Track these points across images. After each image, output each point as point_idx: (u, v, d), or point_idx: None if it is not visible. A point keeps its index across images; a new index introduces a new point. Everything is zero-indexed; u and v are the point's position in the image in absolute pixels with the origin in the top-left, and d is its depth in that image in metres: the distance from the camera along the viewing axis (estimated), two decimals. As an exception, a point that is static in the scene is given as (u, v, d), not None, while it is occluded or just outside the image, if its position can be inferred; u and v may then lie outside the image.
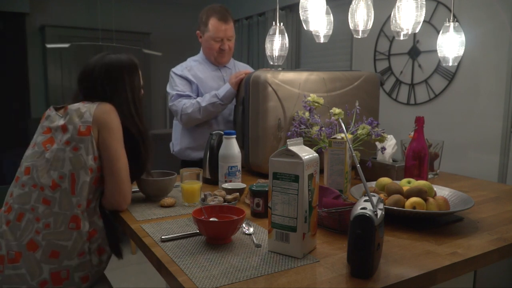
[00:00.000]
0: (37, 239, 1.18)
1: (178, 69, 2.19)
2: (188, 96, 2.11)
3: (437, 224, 1.22)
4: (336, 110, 1.70)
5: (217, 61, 2.20)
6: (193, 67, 2.19)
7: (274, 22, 1.79)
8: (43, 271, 1.17)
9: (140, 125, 1.37)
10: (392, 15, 1.52)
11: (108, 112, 1.28)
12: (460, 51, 1.71)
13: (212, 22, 2.12)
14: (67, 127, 1.25)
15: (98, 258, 1.27)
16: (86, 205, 1.24)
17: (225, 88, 2.00)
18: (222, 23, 2.11)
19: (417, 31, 1.50)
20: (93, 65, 1.37)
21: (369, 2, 1.56)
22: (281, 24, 1.80)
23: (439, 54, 1.75)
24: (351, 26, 1.59)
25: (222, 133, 1.63)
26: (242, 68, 2.30)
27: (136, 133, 1.35)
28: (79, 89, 1.39)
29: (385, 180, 1.36)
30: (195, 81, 2.14)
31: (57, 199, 1.21)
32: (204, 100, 2.03)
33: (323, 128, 1.65)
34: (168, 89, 2.18)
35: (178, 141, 2.22)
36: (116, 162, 1.27)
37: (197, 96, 2.14)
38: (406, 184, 1.36)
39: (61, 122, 1.27)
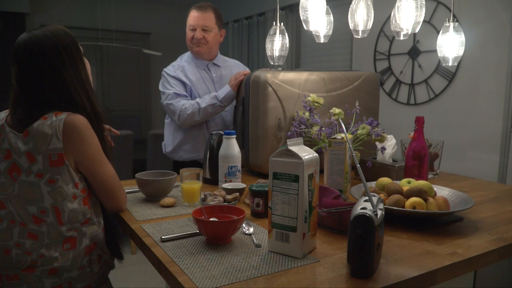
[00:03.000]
0: (35, 265, 1.13)
1: (170, 69, 2.18)
2: (185, 96, 2.11)
3: (437, 224, 1.22)
4: (336, 110, 1.70)
5: (193, 51, 2.18)
6: (185, 67, 2.18)
7: (274, 22, 1.79)
8: (44, 285, 1.13)
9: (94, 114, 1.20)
10: (392, 15, 1.52)
11: (79, 133, 1.11)
12: (460, 51, 1.71)
13: (190, 13, 2.17)
14: (35, 157, 1.09)
15: (98, 265, 1.23)
16: (83, 223, 1.18)
17: (225, 90, 2.01)
18: (197, 11, 2.14)
19: (417, 31, 1.50)
20: (14, 56, 1.14)
21: (369, 2, 1.56)
22: (281, 24, 1.80)
23: (439, 54, 1.75)
24: (351, 26, 1.59)
25: (222, 133, 1.64)
26: (233, 65, 2.29)
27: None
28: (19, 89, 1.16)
29: (385, 180, 1.36)
30: (188, 83, 2.14)
31: (45, 232, 1.12)
32: (203, 102, 2.04)
33: (323, 128, 1.65)
34: (162, 88, 2.15)
35: (171, 142, 2.21)
36: (101, 175, 1.18)
37: (190, 97, 2.13)
38: (406, 184, 1.36)
39: (23, 147, 1.10)
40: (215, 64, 2.24)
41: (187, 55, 2.26)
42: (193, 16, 2.14)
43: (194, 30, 2.14)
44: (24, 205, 1.12)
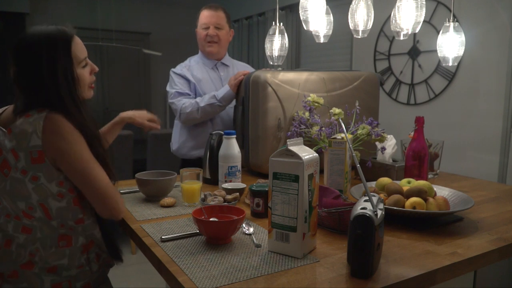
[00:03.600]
0: (34, 260, 1.13)
1: (177, 68, 2.21)
2: (188, 95, 2.13)
3: (437, 224, 1.22)
4: (336, 110, 1.70)
5: (206, 50, 2.20)
6: (192, 66, 2.21)
7: (274, 22, 1.80)
8: (44, 283, 1.13)
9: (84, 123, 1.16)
10: (392, 15, 1.52)
11: (58, 130, 1.09)
12: (460, 51, 1.71)
13: (202, 13, 2.19)
14: (18, 154, 1.09)
15: (97, 264, 1.23)
16: (77, 222, 1.16)
17: (224, 90, 2.01)
18: (209, 11, 2.17)
19: (417, 31, 1.50)
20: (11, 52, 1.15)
21: (369, 2, 1.56)
22: (281, 24, 1.80)
23: (439, 54, 1.75)
24: (351, 26, 1.59)
25: (222, 133, 1.64)
26: (241, 67, 2.31)
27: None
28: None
29: (385, 180, 1.36)
30: (193, 81, 2.15)
31: (37, 227, 1.12)
32: (203, 101, 2.04)
33: (323, 128, 1.65)
34: (168, 88, 2.20)
35: (177, 139, 2.23)
36: (88, 176, 1.12)
37: (195, 95, 2.15)
38: (406, 184, 1.36)
39: (9, 144, 1.10)
40: (223, 63, 2.26)
41: (196, 56, 2.28)
42: (206, 15, 2.17)
43: (207, 28, 2.16)
44: (15, 201, 1.12)
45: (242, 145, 1.81)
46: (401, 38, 1.54)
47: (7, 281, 1.13)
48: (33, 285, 1.13)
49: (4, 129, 1.13)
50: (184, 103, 2.07)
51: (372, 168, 1.67)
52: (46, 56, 1.13)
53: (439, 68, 2.83)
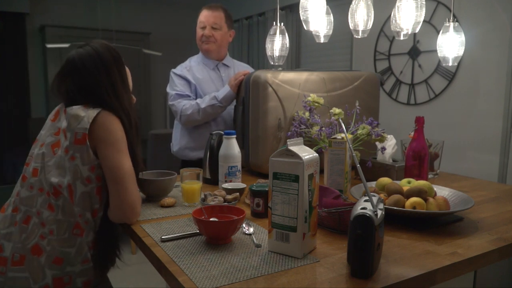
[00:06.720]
0: (42, 244, 1.16)
1: (178, 69, 2.20)
2: (188, 96, 2.12)
3: (437, 224, 1.22)
4: (336, 110, 1.70)
5: (202, 48, 2.21)
6: (193, 67, 2.20)
7: (274, 22, 1.79)
8: (46, 276, 1.15)
9: (132, 117, 1.28)
10: (392, 15, 1.52)
11: (108, 124, 1.19)
12: (460, 51, 1.71)
13: (201, 12, 2.20)
14: (66, 134, 1.19)
15: (98, 263, 1.24)
16: (92, 215, 1.21)
17: (224, 90, 2.01)
18: (207, 10, 2.18)
19: (417, 31, 1.50)
20: (64, 68, 1.28)
21: (369, 2, 1.56)
22: (282, 24, 1.80)
23: (439, 54, 1.75)
24: (351, 26, 1.59)
25: (222, 133, 1.64)
26: (241, 68, 2.30)
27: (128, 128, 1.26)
28: (58, 94, 1.28)
29: (385, 180, 1.36)
30: (194, 82, 2.15)
31: (60, 206, 1.18)
32: (203, 102, 2.04)
33: (323, 128, 1.65)
34: (168, 89, 2.19)
35: (178, 141, 2.23)
36: (118, 171, 1.18)
37: (196, 96, 2.14)
38: (406, 184, 1.36)
39: (63, 125, 1.21)
40: (224, 64, 2.25)
41: (196, 56, 2.28)
42: (204, 15, 2.17)
43: (203, 28, 2.16)
44: (51, 176, 1.19)
45: (242, 145, 1.81)
46: (401, 38, 1.55)
47: (11, 269, 1.15)
48: (34, 277, 1.15)
49: (64, 114, 1.24)
50: (184, 105, 2.07)
51: (372, 168, 1.67)
52: (101, 76, 1.25)
53: (439, 68, 2.83)
